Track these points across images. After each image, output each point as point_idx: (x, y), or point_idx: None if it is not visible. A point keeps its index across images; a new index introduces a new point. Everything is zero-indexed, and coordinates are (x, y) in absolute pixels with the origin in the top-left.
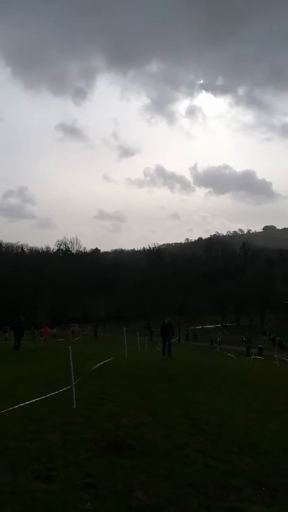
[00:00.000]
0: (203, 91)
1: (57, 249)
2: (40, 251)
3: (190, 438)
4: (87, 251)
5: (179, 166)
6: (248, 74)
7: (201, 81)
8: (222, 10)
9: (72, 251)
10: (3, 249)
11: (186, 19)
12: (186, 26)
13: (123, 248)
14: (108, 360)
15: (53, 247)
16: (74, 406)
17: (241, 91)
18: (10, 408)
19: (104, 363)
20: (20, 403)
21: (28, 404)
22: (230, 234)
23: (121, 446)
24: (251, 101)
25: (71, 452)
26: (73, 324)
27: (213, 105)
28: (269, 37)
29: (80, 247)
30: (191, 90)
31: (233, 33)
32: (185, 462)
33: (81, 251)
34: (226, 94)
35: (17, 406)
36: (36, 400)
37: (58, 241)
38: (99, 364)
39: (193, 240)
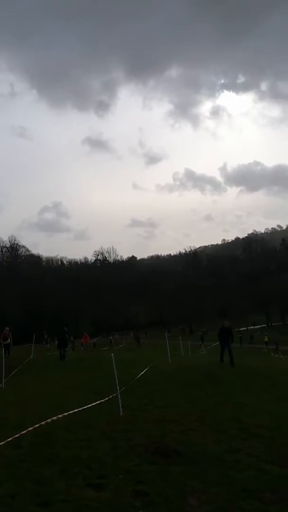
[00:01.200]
0: (225, 91)
1: (95, 260)
2: (79, 263)
3: (242, 442)
4: (124, 259)
5: (208, 167)
6: (270, 68)
7: (222, 81)
8: (237, 7)
9: (110, 261)
10: (44, 263)
11: (201, 21)
12: (202, 28)
13: (159, 254)
14: (152, 365)
15: (90, 257)
16: (121, 413)
17: (264, 86)
18: (60, 416)
19: (148, 369)
20: (68, 411)
21: (76, 412)
22: (268, 232)
23: (170, 453)
24: (276, 95)
25: (120, 459)
26: (112, 333)
27: (237, 103)
28: None
29: (117, 256)
30: (213, 91)
31: (250, 29)
32: (238, 467)
33: (118, 260)
34: (248, 91)
35: (66, 414)
36: (83, 408)
37: (95, 251)
38: (144, 370)
39: (230, 241)
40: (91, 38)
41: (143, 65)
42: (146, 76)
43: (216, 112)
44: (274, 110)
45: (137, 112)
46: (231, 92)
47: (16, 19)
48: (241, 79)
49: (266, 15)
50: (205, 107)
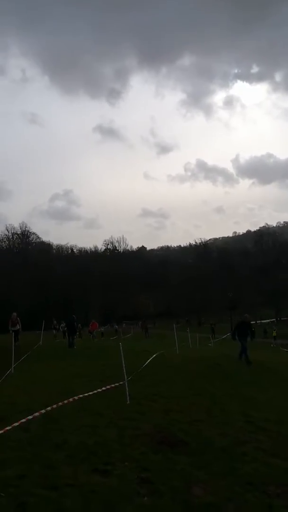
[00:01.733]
0: (239, 81)
1: (105, 249)
2: (89, 251)
3: (248, 435)
4: (134, 249)
5: (220, 158)
6: (284, 59)
7: (236, 71)
8: None
9: (120, 250)
10: (54, 250)
11: (214, 9)
12: (215, 16)
13: (169, 245)
14: (159, 356)
15: (100, 246)
16: (128, 402)
17: (278, 76)
18: (66, 401)
19: (155, 359)
20: (75, 397)
21: (83, 399)
22: (280, 225)
23: (176, 442)
24: None
25: (127, 447)
26: (118, 323)
27: (251, 94)
28: None
29: (127, 245)
30: (226, 81)
31: (264, 18)
32: (244, 459)
33: (128, 250)
34: (262, 81)
35: (72, 399)
36: (90, 395)
37: (105, 240)
38: (150, 359)
39: (241, 233)
40: (104, 24)
41: (155, 53)
42: (158, 64)
43: (229, 102)
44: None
45: (149, 100)
46: (244, 82)
47: (28, 4)
48: (254, 69)
49: (280, 4)
50: (218, 96)
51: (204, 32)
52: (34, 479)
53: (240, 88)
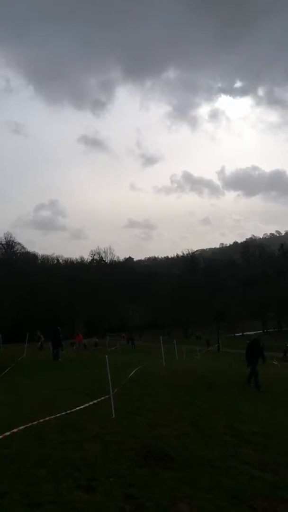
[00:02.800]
0: (222, 95)
1: (91, 259)
2: (75, 262)
3: (234, 449)
4: (121, 260)
5: (206, 170)
6: (266, 75)
7: (219, 85)
8: (234, 12)
9: (106, 261)
10: (39, 261)
11: (198, 25)
12: (198, 31)
13: (156, 256)
14: (145, 368)
15: (87, 257)
16: (113, 415)
17: (260, 91)
18: (53, 417)
19: (141, 372)
20: (61, 413)
21: (68, 414)
22: (267, 237)
23: (162, 457)
24: (273, 101)
25: (112, 462)
26: (100, 336)
27: (236, 107)
28: (284, 35)
29: (114, 256)
30: (211, 95)
31: (246, 34)
32: (229, 473)
33: (115, 260)
34: (246, 95)
35: (58, 415)
36: (76, 410)
37: (92, 251)
38: (133, 372)
39: (228, 245)
40: (88, 38)
41: (140, 66)
42: (143, 77)
43: (214, 115)
44: (272, 115)
45: (135, 112)
46: (228, 96)
47: (13, 17)
48: (238, 83)
49: (261, 22)
50: (204, 110)
51: (188, 47)
52: (15, 497)
53: (224, 102)
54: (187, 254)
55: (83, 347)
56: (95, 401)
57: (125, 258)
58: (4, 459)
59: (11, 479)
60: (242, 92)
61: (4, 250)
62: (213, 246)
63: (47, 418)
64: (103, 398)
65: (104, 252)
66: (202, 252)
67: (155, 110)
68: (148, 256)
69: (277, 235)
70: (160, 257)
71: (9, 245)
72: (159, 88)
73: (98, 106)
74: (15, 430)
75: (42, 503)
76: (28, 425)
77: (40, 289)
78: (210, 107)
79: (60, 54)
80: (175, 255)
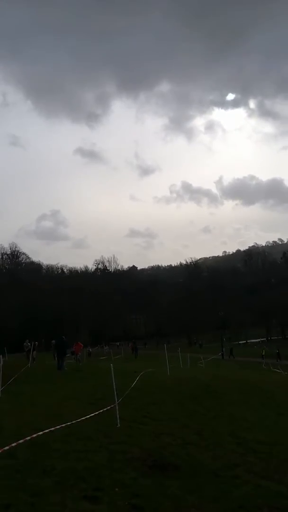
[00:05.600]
0: (215, 107)
1: (96, 268)
2: (79, 271)
3: (240, 457)
4: (125, 269)
5: (204, 180)
6: (256, 87)
7: (211, 97)
8: (223, 25)
9: (110, 270)
10: (44, 271)
11: (189, 38)
12: (189, 44)
13: (159, 264)
14: (149, 377)
15: (91, 266)
16: (118, 425)
17: (252, 104)
18: (58, 427)
19: (146, 380)
20: (66, 423)
21: (73, 423)
22: (269, 245)
23: (167, 466)
24: (264, 113)
25: (117, 472)
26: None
27: (231, 119)
28: (271, 48)
29: (118, 265)
30: (204, 107)
31: (234, 47)
32: (235, 483)
33: (119, 269)
34: (238, 107)
35: (63, 425)
36: (81, 419)
37: (96, 260)
38: (139, 380)
39: (231, 253)
40: (83, 52)
41: (133, 80)
42: (137, 90)
43: (210, 126)
44: (266, 126)
45: (131, 125)
46: (220, 109)
47: (9, 33)
48: (230, 96)
49: (247, 35)
50: (199, 121)
51: (179, 60)
52: (21, 507)
53: (219, 114)
54: (190, 262)
55: (87, 355)
56: (100, 411)
57: (128, 267)
58: (9, 469)
59: (16, 490)
60: (234, 104)
61: (9, 260)
62: (215, 255)
63: (52, 428)
64: (108, 407)
65: (108, 261)
66: (205, 260)
67: (151, 122)
68: (150, 265)
69: (280, 243)
70: (163, 265)
71: (14, 255)
72: (153, 101)
73: (94, 119)
74: (20, 442)
75: None
76: (33, 436)
77: (45, 298)
78: (204, 119)
79: (56, 69)
80: (178, 263)
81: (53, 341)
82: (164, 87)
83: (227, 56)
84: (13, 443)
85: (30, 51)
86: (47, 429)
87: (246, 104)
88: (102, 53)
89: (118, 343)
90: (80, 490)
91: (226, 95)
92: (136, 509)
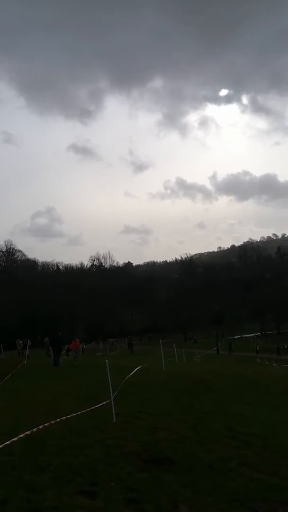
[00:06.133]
0: (208, 103)
1: (91, 265)
2: (75, 268)
3: (234, 451)
4: (120, 265)
5: (199, 176)
6: (248, 83)
7: (204, 93)
8: (215, 21)
9: (106, 266)
10: (39, 268)
11: (181, 34)
12: (181, 40)
13: (155, 260)
14: (145, 372)
15: (86, 263)
16: (114, 420)
17: (245, 99)
18: (53, 422)
19: (142, 376)
20: (61, 418)
21: (69, 418)
22: (264, 240)
23: (163, 460)
24: (257, 109)
25: (113, 467)
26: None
27: (224, 114)
28: (265, 43)
29: (113, 261)
30: (197, 103)
31: (227, 43)
32: (230, 476)
33: (114, 266)
34: (231, 103)
35: (58, 420)
36: (76, 415)
37: (91, 257)
38: (133, 376)
39: (225, 248)
40: (75, 48)
41: (126, 76)
42: (129, 86)
43: (204, 122)
44: (259, 122)
45: (124, 121)
46: (213, 105)
47: (1, 30)
48: (223, 92)
49: (242, 29)
50: (193, 117)
51: (171, 56)
52: (17, 503)
53: (212, 109)
54: (185, 258)
55: (81, 352)
56: (95, 406)
57: (124, 263)
58: (5, 466)
59: (12, 486)
60: (227, 100)
61: (4, 258)
62: (210, 250)
63: (47, 424)
64: (103, 402)
65: (104, 257)
66: (200, 256)
67: (145, 118)
68: (145, 261)
69: (274, 238)
70: (158, 261)
71: (10, 252)
72: (146, 97)
73: (88, 115)
74: (15, 438)
75: (44, 509)
76: (28, 432)
77: (41, 295)
78: (197, 115)
79: (48, 65)
80: (173, 259)
81: (46, 338)
82: (157, 83)
83: (219, 51)
84: (9, 439)
85: (22, 48)
86: (42, 425)
87: (239, 100)
88: (94, 49)
89: (112, 340)
90: (76, 485)
91: (219, 90)
92: (132, 503)
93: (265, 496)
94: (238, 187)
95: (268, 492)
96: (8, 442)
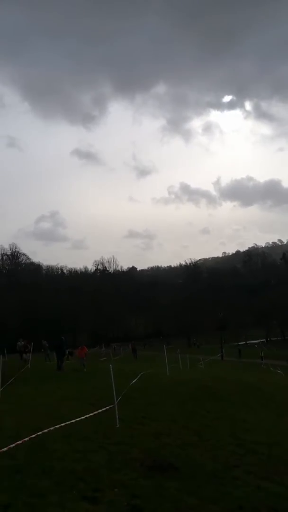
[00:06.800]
0: (211, 109)
1: (95, 269)
2: (79, 272)
3: (239, 458)
4: (124, 270)
5: (203, 181)
6: (251, 89)
7: (207, 99)
8: (218, 27)
9: (110, 271)
10: (44, 271)
11: (184, 40)
12: (184, 46)
13: (159, 265)
14: (149, 377)
15: (90, 267)
16: (118, 425)
17: (248, 106)
18: (57, 426)
19: (145, 381)
20: (65, 422)
21: (72, 423)
22: (269, 246)
23: (166, 467)
24: (260, 115)
25: (116, 473)
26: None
27: (228, 120)
28: (267, 49)
29: (117, 266)
30: (200, 108)
31: (230, 49)
32: (235, 484)
33: (118, 270)
34: (234, 109)
35: (63, 424)
36: (80, 420)
37: (95, 261)
38: (138, 381)
39: (230, 254)
40: (80, 54)
41: (129, 82)
42: (133, 92)
43: (208, 128)
44: (262, 128)
45: (128, 126)
46: (216, 111)
47: (7, 36)
48: (226, 98)
49: (244, 36)
50: (196, 123)
51: (176, 62)
52: (20, 508)
53: (216, 115)
54: (189, 263)
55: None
56: (99, 411)
57: (128, 268)
58: (9, 470)
59: (15, 490)
60: (230, 106)
61: (9, 261)
62: (214, 255)
63: (51, 428)
64: (107, 407)
65: (108, 262)
66: (205, 261)
67: (148, 123)
68: (150, 265)
69: (279, 243)
70: (163, 266)
71: (15, 256)
72: (150, 102)
73: (91, 120)
74: (19, 442)
75: None
76: (33, 436)
77: (45, 299)
78: (201, 120)
79: (52, 71)
80: (177, 264)
81: (45, 342)
82: (160, 88)
83: (222, 58)
84: (13, 443)
85: (27, 53)
86: (46, 429)
87: (242, 106)
88: (98, 55)
89: (115, 345)
90: (79, 491)
91: (222, 97)
92: (136, 510)
93: (271, 504)
94: (242, 192)
95: (274, 500)
96: (12, 446)
